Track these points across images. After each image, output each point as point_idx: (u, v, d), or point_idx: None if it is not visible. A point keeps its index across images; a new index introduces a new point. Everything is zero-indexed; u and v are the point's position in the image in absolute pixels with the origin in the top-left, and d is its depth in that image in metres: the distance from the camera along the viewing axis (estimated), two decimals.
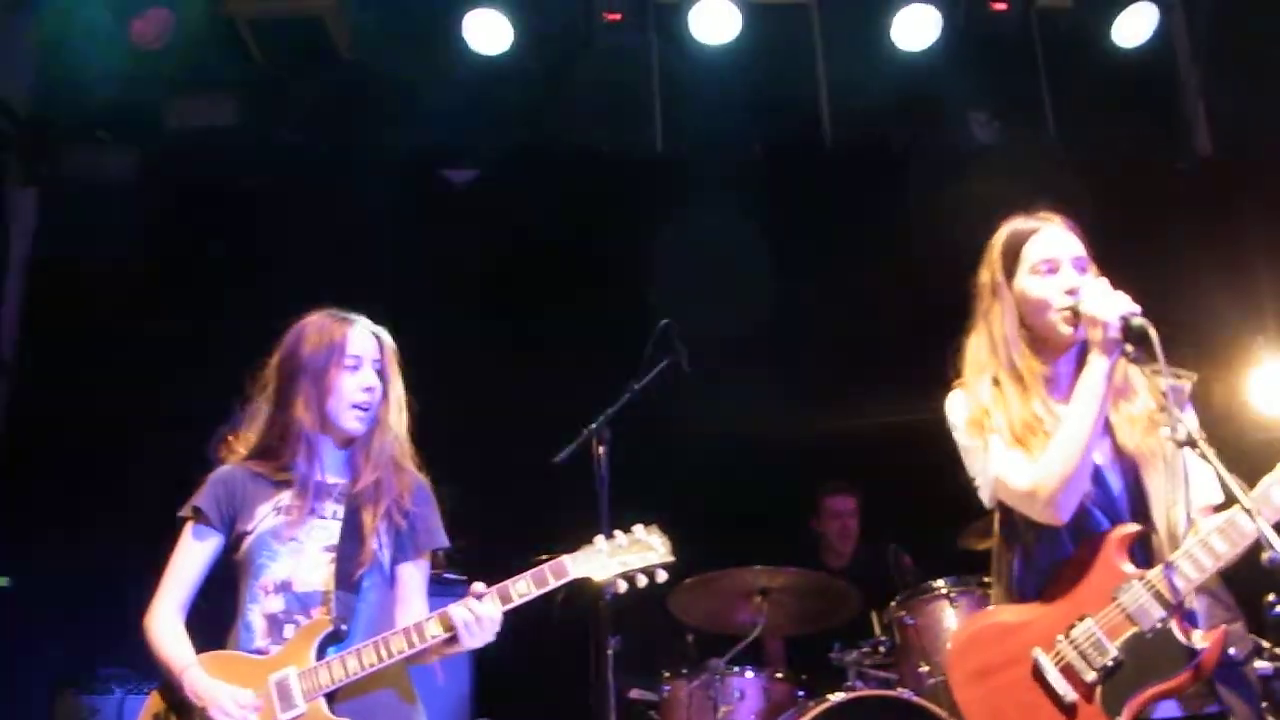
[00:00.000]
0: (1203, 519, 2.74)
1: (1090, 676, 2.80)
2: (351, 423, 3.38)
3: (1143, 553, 2.84)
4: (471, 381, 6.84)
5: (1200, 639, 2.71)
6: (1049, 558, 2.93)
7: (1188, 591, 2.71)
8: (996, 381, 3.04)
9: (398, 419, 3.46)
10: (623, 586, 3.21)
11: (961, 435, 3.11)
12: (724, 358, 6.83)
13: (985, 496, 3.09)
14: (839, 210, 7.18)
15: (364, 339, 3.43)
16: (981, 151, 7.35)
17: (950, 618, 4.97)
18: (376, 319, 3.60)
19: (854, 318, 6.99)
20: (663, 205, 7.22)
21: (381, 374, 3.43)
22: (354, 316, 3.48)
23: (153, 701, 3.30)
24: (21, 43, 7.03)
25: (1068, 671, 2.83)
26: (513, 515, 6.47)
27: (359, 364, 3.39)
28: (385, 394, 3.43)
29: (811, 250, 7.08)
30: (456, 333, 6.92)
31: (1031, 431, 2.94)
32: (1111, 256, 3.15)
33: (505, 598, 3.15)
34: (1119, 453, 2.92)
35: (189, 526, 3.41)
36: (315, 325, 3.45)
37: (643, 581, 3.19)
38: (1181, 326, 2.95)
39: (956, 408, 3.13)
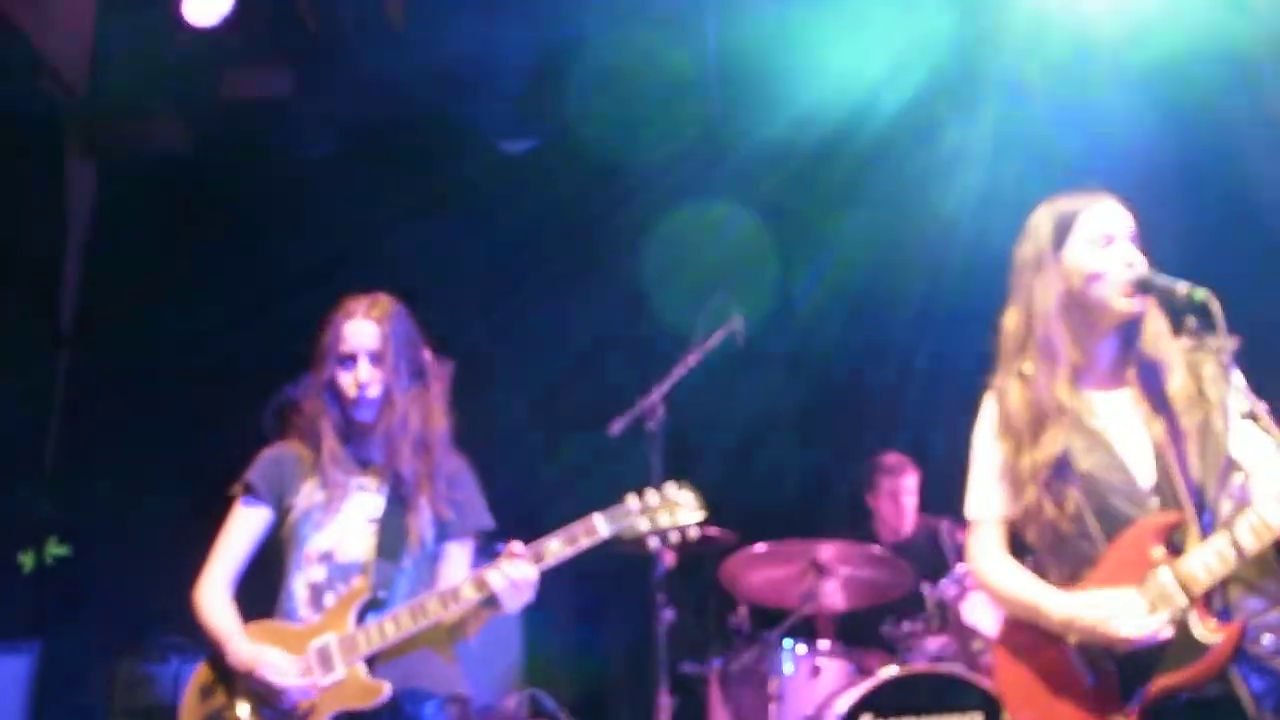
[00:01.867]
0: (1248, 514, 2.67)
1: (1108, 663, 2.76)
2: (356, 414, 3.43)
3: (1180, 541, 2.76)
4: (527, 352, 6.87)
5: (1212, 632, 2.65)
6: (1080, 547, 2.88)
7: (1210, 583, 2.65)
8: (1021, 376, 3.01)
9: (415, 401, 3.46)
10: (654, 543, 3.25)
11: (977, 438, 3.15)
12: (780, 327, 6.80)
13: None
14: (898, 183, 7.09)
15: (358, 331, 3.44)
16: None
17: None
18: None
19: (913, 289, 6.91)
20: (720, 174, 7.18)
21: (381, 362, 3.42)
22: (358, 306, 3.48)
23: (200, 672, 3.37)
24: (78, 17, 7.08)
25: (1090, 655, 2.80)
26: (567, 488, 6.49)
27: (353, 359, 3.42)
28: (393, 380, 3.42)
29: (870, 222, 7.00)
30: (513, 302, 6.93)
31: (1047, 422, 2.92)
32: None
33: (538, 557, 3.19)
34: (1154, 436, 2.85)
35: (240, 501, 3.50)
36: (330, 317, 3.50)
37: (674, 538, 3.23)
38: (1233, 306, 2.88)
39: (985, 412, 3.14)
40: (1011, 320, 3.08)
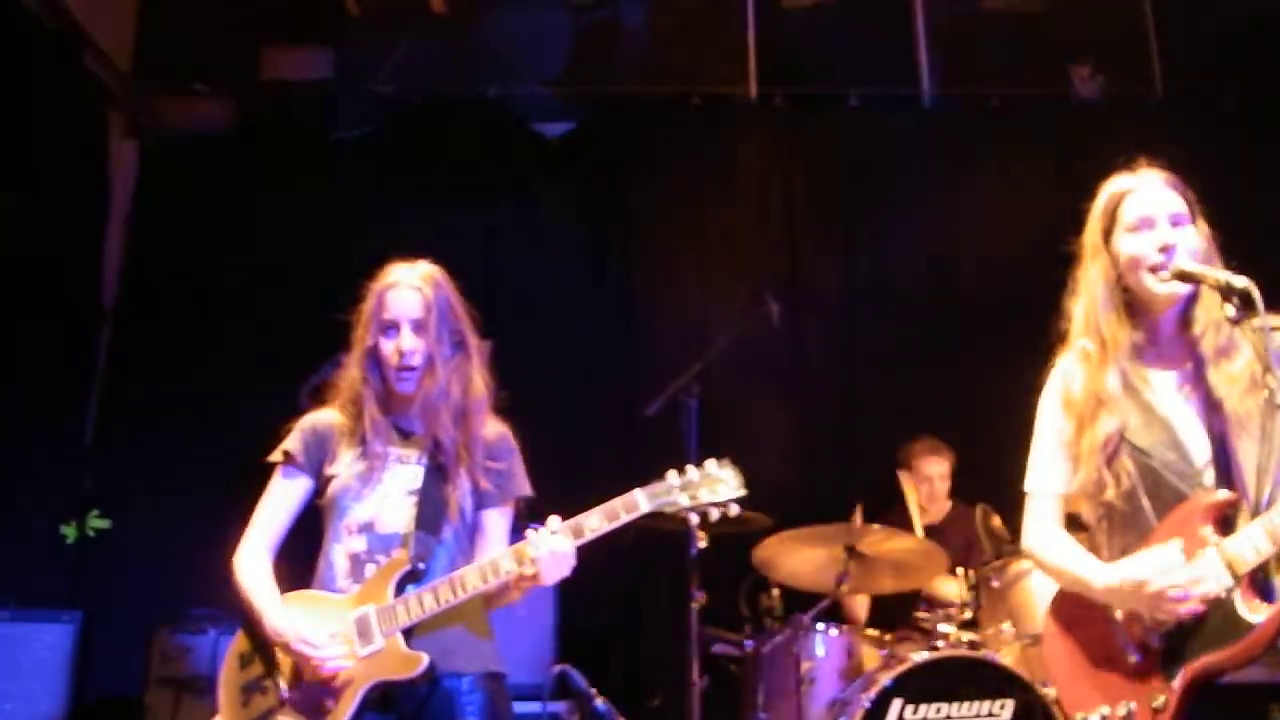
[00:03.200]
0: None
1: (1153, 640, 2.77)
2: (398, 384, 3.42)
3: (1231, 520, 2.75)
4: (564, 333, 6.88)
5: (1256, 612, 2.64)
6: (1132, 524, 2.89)
7: (1257, 562, 2.64)
8: (1085, 356, 3.02)
9: (456, 371, 3.45)
10: (694, 520, 3.20)
11: (1040, 413, 3.15)
12: (816, 310, 6.80)
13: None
14: (937, 164, 7.07)
15: (402, 299, 3.43)
16: (1084, 107, 7.18)
17: (1037, 580, 4.90)
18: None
19: (948, 272, 6.89)
20: (757, 156, 7.17)
21: (424, 331, 3.42)
22: (401, 274, 3.46)
23: (238, 641, 3.39)
24: None
25: (1134, 632, 2.82)
26: (603, 468, 6.51)
27: (395, 327, 3.41)
28: (435, 349, 3.41)
29: (907, 203, 6.98)
30: (548, 284, 6.95)
31: (1103, 402, 2.93)
32: (1219, 216, 3.07)
33: (577, 532, 3.16)
34: (1212, 414, 2.84)
35: (279, 470, 3.49)
36: (373, 285, 3.49)
37: (714, 515, 3.18)
38: None
39: (1050, 386, 3.14)
40: (1076, 306, 3.10)
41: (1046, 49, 7.20)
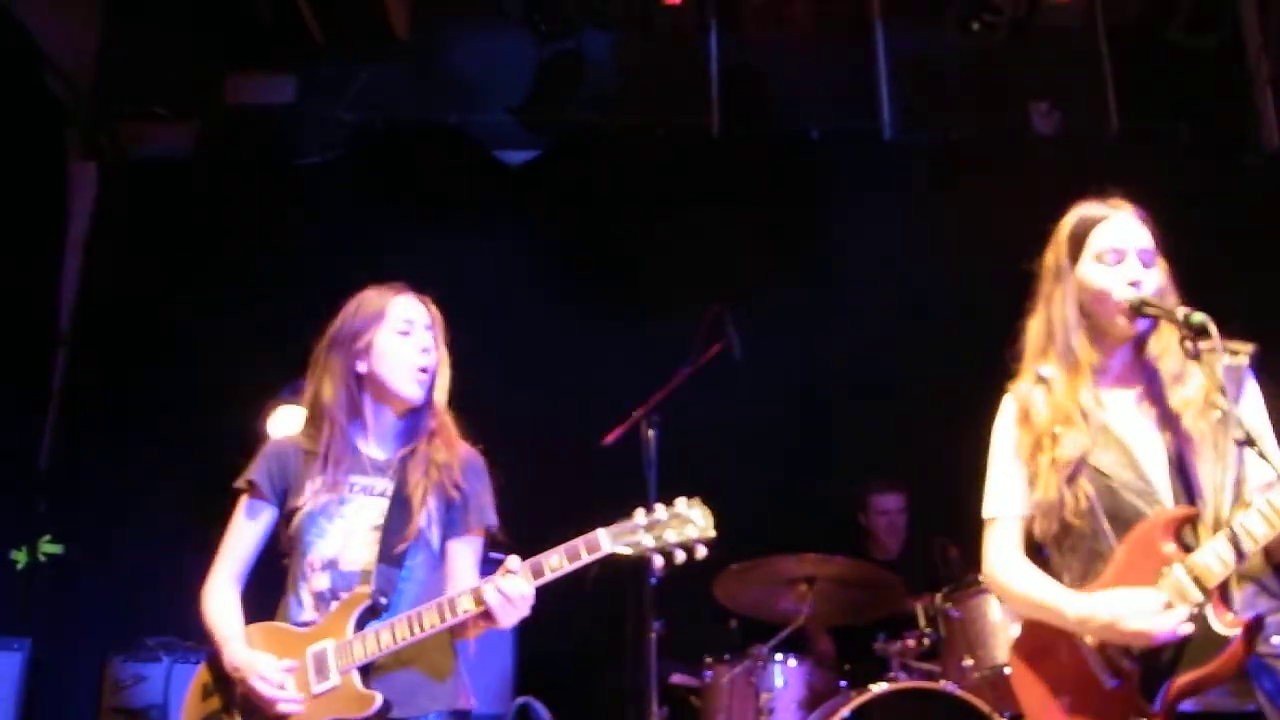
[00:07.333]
0: (1257, 497, 2.67)
1: (1127, 662, 2.75)
2: (412, 388, 3.35)
3: (1191, 537, 2.76)
4: (522, 363, 6.86)
5: (1229, 624, 2.63)
6: (1091, 544, 2.88)
7: (1224, 574, 2.64)
8: (1041, 379, 3.02)
9: (443, 389, 3.44)
10: (659, 562, 3.07)
11: (995, 437, 3.14)
12: (775, 342, 6.80)
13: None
14: (896, 199, 7.11)
15: (412, 305, 3.42)
16: (1042, 142, 7.25)
17: (996, 611, 4.92)
18: (428, 296, 3.61)
19: (908, 307, 6.93)
20: (718, 189, 7.20)
21: (437, 338, 3.42)
22: (398, 286, 3.46)
23: (201, 672, 3.33)
24: (84, 17, 7.11)
25: (1107, 656, 2.79)
26: (561, 499, 6.48)
27: (411, 329, 3.37)
28: (440, 359, 3.42)
29: (867, 238, 7.02)
30: (508, 313, 6.93)
31: (1070, 423, 2.93)
32: (1175, 250, 3.11)
33: (537, 572, 3.06)
34: (1168, 434, 2.87)
35: (243, 499, 3.43)
36: (358, 299, 3.45)
37: (681, 557, 3.05)
38: (1245, 323, 2.90)
39: (1004, 410, 3.14)
40: (1033, 325, 3.11)
41: (1005, 85, 7.27)
